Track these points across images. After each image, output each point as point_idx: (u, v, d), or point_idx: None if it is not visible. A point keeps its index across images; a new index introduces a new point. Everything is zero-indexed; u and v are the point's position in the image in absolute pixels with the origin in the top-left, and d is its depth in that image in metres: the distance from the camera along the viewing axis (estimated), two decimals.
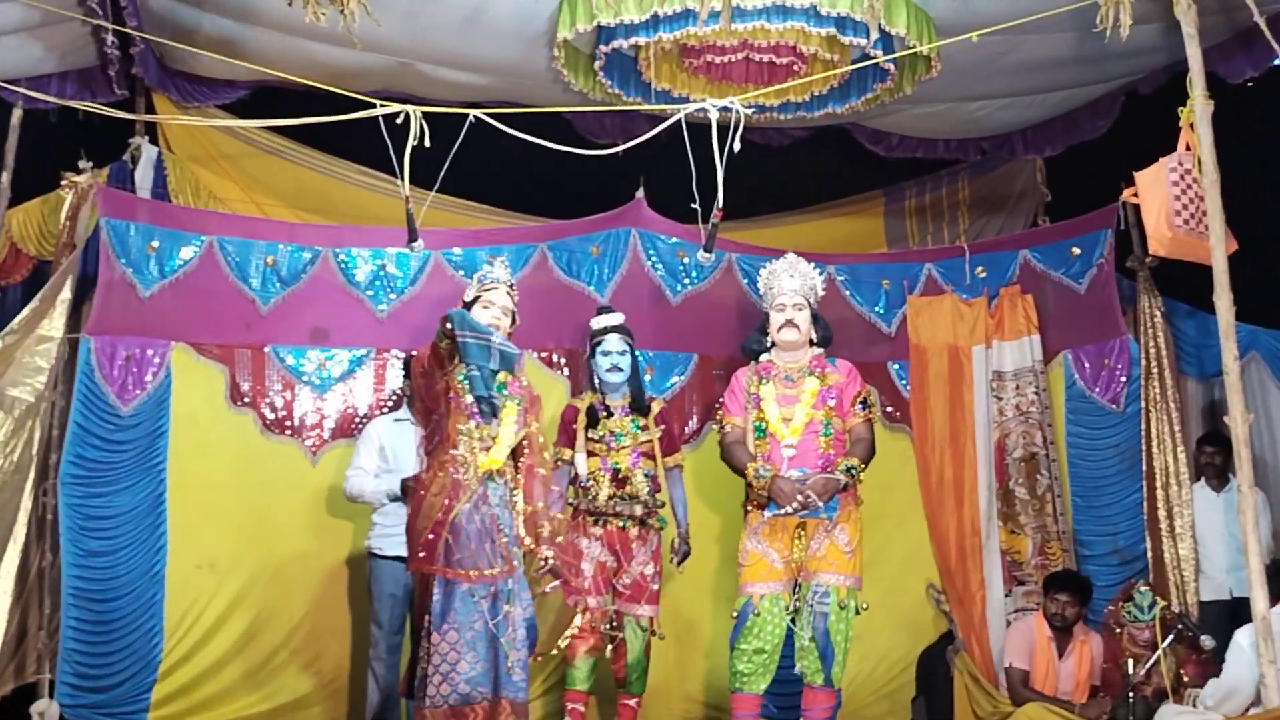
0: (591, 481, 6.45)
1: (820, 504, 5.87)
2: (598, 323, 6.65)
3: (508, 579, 5.46)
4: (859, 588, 6.07)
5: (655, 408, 6.67)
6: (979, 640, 7.21)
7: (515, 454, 5.60)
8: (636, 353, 6.70)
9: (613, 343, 6.54)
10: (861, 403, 6.21)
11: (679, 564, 6.65)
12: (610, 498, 6.42)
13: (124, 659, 6.51)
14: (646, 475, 6.52)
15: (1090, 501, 7.42)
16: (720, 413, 6.34)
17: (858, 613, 6.08)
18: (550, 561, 5.58)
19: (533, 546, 5.54)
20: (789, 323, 6.19)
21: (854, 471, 5.98)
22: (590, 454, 6.49)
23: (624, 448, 6.50)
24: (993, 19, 6.10)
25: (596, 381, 6.59)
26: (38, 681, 6.43)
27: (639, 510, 6.44)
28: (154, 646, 6.59)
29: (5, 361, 6.37)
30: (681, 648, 7.24)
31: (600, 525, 6.42)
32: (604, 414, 6.53)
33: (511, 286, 5.82)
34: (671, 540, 6.64)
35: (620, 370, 6.52)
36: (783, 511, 5.89)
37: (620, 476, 6.46)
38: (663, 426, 6.64)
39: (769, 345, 6.30)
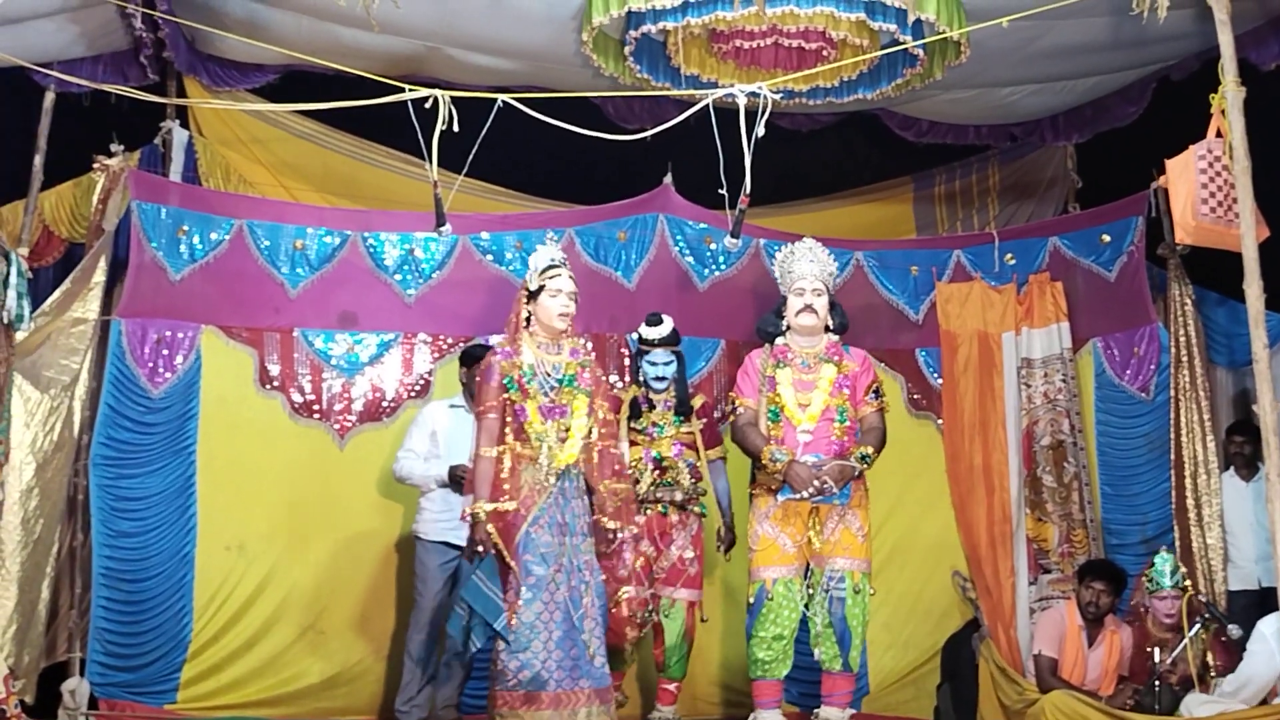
0: (634, 470, 6.49)
1: (835, 490, 5.89)
2: (647, 333, 6.67)
3: (584, 570, 5.59)
4: (869, 571, 6.12)
5: (697, 402, 6.76)
6: (1006, 628, 7.19)
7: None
8: (681, 359, 6.74)
9: (659, 355, 6.62)
10: (874, 392, 6.24)
11: (726, 552, 6.72)
12: (652, 484, 6.51)
13: (154, 639, 6.57)
14: (689, 465, 6.61)
15: (1120, 490, 7.39)
16: (733, 393, 6.34)
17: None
18: (619, 535, 5.72)
19: (606, 522, 5.68)
20: (808, 308, 6.19)
21: (868, 460, 6.02)
22: (632, 444, 6.57)
23: (666, 438, 6.59)
24: (1024, 3, 6.06)
25: (642, 378, 6.65)
26: (69, 660, 6.50)
27: (679, 495, 6.53)
28: (184, 626, 6.65)
29: (40, 342, 6.44)
30: (708, 632, 7.20)
31: (641, 513, 6.45)
32: (647, 407, 6.63)
33: (565, 263, 5.87)
34: (717, 530, 6.69)
35: (664, 379, 6.62)
36: (797, 496, 5.90)
37: (663, 465, 6.55)
38: (704, 420, 6.73)
39: (784, 329, 6.30)
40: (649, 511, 6.49)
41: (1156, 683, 6.07)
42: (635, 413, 6.65)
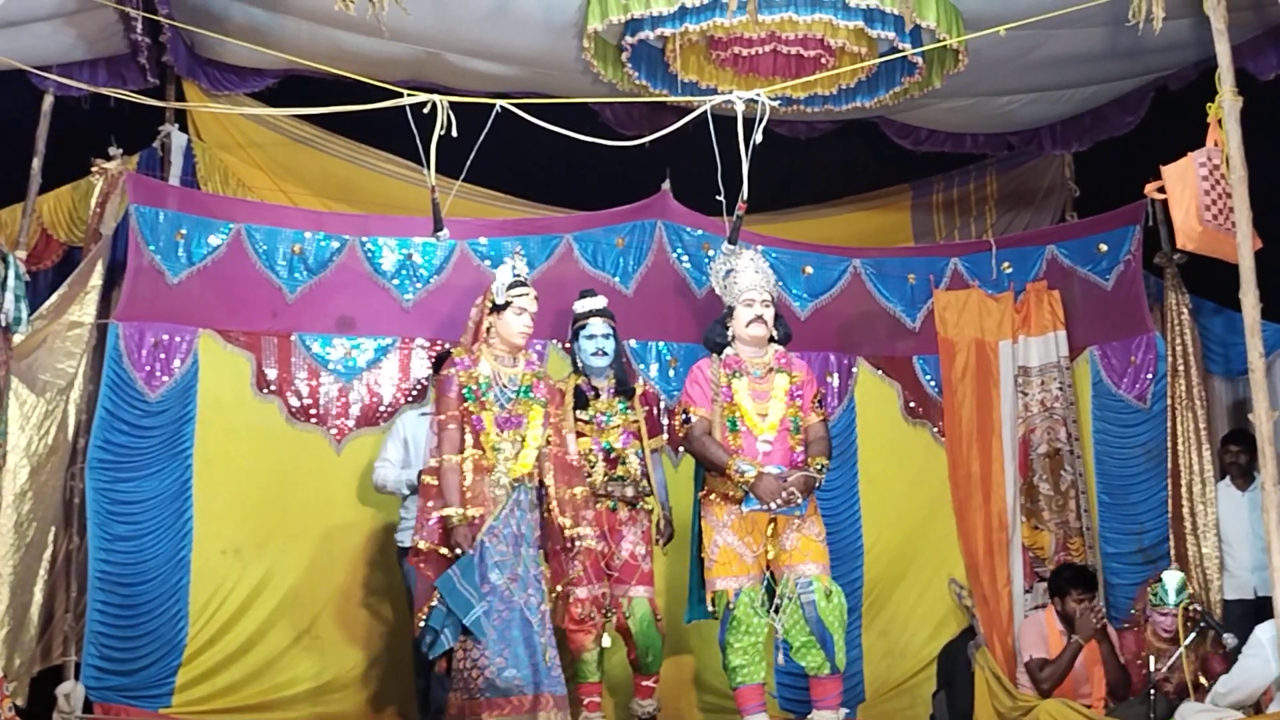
0: (584, 463, 6.39)
1: (800, 500, 5.88)
2: (580, 306, 6.63)
3: (541, 580, 5.76)
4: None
5: (639, 388, 6.68)
6: (1002, 636, 7.19)
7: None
8: (618, 336, 6.67)
9: (597, 326, 6.53)
10: (819, 402, 6.24)
11: (664, 545, 6.63)
12: (605, 477, 6.43)
13: (149, 643, 6.56)
14: (637, 455, 6.53)
15: (1118, 499, 7.39)
16: (684, 401, 6.20)
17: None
18: (580, 544, 5.87)
19: (571, 527, 5.83)
20: (759, 319, 6.14)
21: (825, 471, 6.05)
22: (580, 434, 6.42)
23: (614, 427, 6.51)
24: (1023, 12, 6.07)
25: (580, 365, 6.59)
26: (63, 664, 6.49)
27: (630, 491, 6.45)
28: (179, 631, 6.63)
29: (36, 345, 6.43)
30: (701, 639, 7.22)
31: (591, 507, 6.29)
32: (591, 395, 6.53)
33: (528, 279, 6.03)
34: (656, 522, 6.59)
35: (605, 354, 6.52)
36: (764, 507, 5.87)
37: (613, 457, 6.47)
38: (646, 408, 6.66)
39: (730, 339, 6.28)
40: (599, 506, 6.39)
41: (1152, 692, 6.07)
42: (581, 402, 6.50)
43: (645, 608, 6.41)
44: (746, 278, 6.19)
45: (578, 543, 5.86)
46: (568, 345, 7.21)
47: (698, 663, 7.28)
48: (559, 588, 6.29)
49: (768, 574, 6.03)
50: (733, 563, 5.98)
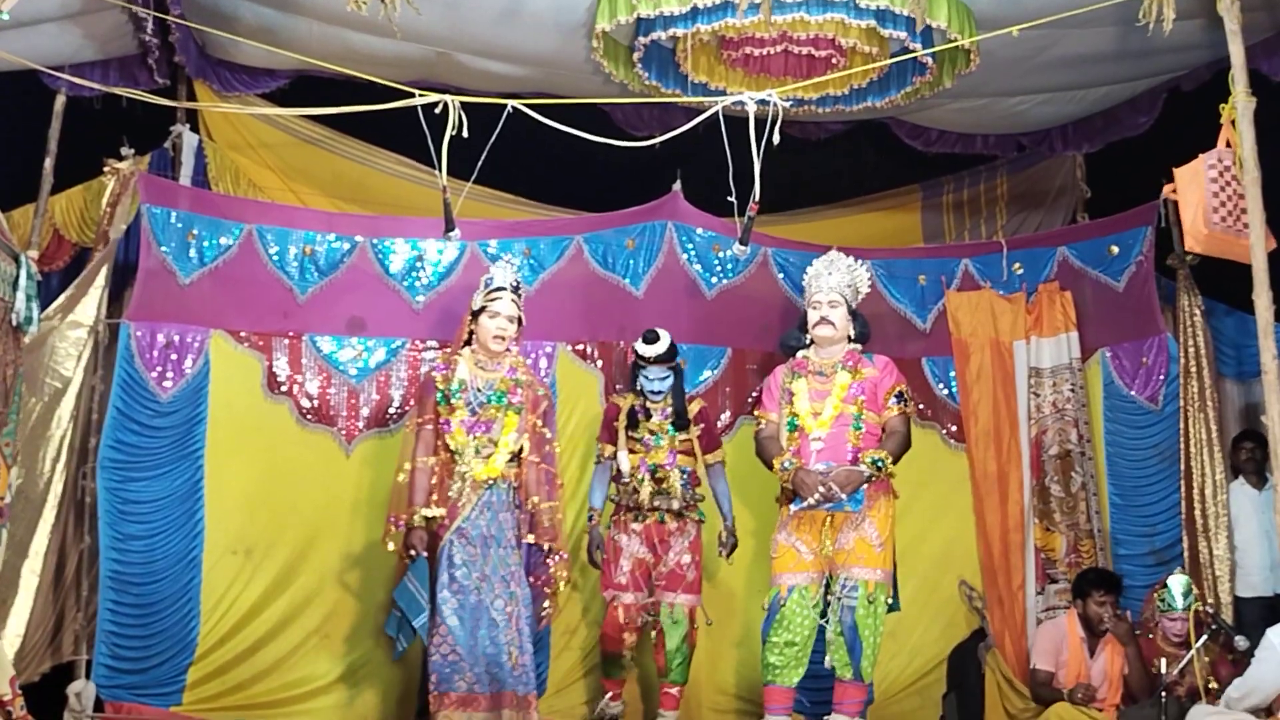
0: (632, 479, 6.64)
1: (843, 496, 5.88)
2: (642, 350, 6.71)
3: (510, 581, 5.94)
4: (889, 581, 6.06)
5: (695, 407, 6.81)
6: (1015, 638, 7.17)
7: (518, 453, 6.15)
8: (680, 369, 6.83)
9: (654, 372, 6.69)
10: (897, 397, 6.19)
11: (728, 556, 6.79)
12: (652, 494, 6.62)
13: (161, 641, 6.58)
14: (685, 472, 6.71)
15: (1130, 501, 7.36)
16: (756, 409, 6.43)
17: (894, 609, 6.09)
18: (555, 555, 6.18)
19: (534, 540, 6.12)
20: (824, 320, 6.24)
21: (880, 464, 5.96)
22: (631, 452, 6.70)
23: (661, 447, 6.68)
24: (1034, 13, 6.06)
25: (639, 387, 6.74)
26: (74, 662, 6.52)
27: (675, 504, 6.63)
28: (190, 630, 6.66)
29: (38, 346, 6.43)
30: (712, 640, 7.24)
31: (640, 521, 6.63)
32: (643, 415, 6.72)
33: (517, 290, 6.21)
34: (719, 534, 6.76)
35: (660, 393, 6.72)
36: (806, 504, 5.90)
37: (658, 475, 6.64)
38: (702, 425, 6.80)
39: (808, 342, 6.32)
40: (647, 520, 6.63)
41: (1163, 695, 6.05)
42: (633, 422, 6.74)
43: (685, 616, 6.62)
44: (814, 281, 6.34)
45: (552, 557, 6.16)
46: (580, 349, 7.26)
47: (708, 663, 7.27)
48: (605, 594, 6.62)
49: (828, 574, 6.07)
50: (789, 559, 6.06)
